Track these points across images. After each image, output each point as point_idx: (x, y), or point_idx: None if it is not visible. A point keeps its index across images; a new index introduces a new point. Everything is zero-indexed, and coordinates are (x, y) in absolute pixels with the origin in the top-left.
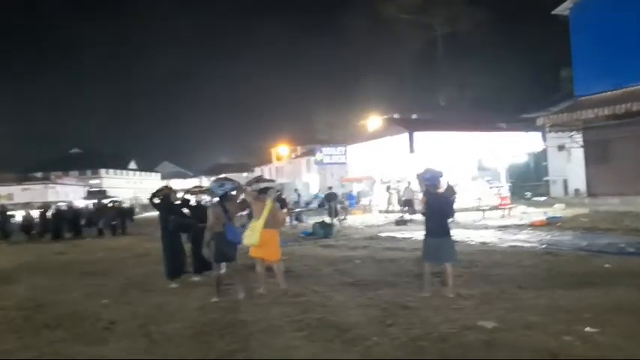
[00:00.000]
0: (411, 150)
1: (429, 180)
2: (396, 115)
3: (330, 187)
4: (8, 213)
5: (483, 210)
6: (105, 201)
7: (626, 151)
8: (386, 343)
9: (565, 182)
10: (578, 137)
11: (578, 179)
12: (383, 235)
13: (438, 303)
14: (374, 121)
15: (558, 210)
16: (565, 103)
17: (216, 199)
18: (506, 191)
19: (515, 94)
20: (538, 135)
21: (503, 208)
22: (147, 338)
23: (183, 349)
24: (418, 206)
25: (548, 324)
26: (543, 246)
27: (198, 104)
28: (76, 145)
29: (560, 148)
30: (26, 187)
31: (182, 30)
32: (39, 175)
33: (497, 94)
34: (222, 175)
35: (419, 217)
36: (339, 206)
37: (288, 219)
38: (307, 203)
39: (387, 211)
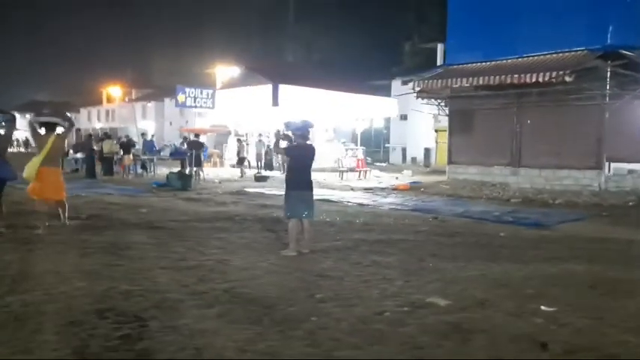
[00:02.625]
0: (275, 103)
1: (300, 129)
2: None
3: (197, 136)
4: None
5: (341, 172)
6: None
7: (488, 123)
8: (331, 325)
9: (404, 150)
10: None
11: (415, 148)
12: (250, 190)
13: (357, 271)
14: (229, 70)
15: (407, 176)
16: (412, 73)
17: None
18: (361, 154)
19: (360, 62)
20: (394, 102)
21: (360, 171)
22: None
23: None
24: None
25: (498, 301)
26: (428, 213)
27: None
28: None
29: (403, 117)
30: None
31: None
32: None
33: (342, 60)
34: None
35: (276, 173)
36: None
37: (132, 167)
38: (158, 151)
39: (240, 166)
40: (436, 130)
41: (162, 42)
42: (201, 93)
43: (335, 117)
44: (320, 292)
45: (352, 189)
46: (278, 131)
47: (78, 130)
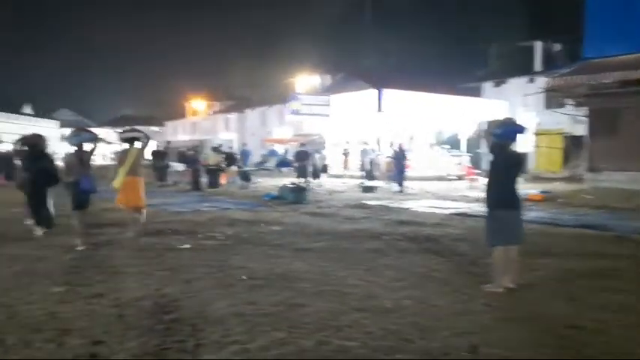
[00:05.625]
0: (379, 108)
1: (505, 135)
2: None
3: (303, 144)
4: None
5: (450, 180)
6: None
7: (638, 123)
8: None
9: None
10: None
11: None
12: (370, 203)
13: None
14: (312, 78)
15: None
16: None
17: (73, 149)
18: (467, 161)
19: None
20: (505, 104)
21: (469, 179)
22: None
23: None
24: (379, 171)
25: None
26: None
27: (103, 51)
28: None
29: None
30: None
31: None
32: None
33: (421, 64)
34: (129, 128)
35: (381, 183)
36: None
37: (233, 179)
38: (262, 162)
39: (342, 176)
40: (536, 134)
41: (241, 54)
42: (316, 100)
43: (439, 121)
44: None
45: (477, 200)
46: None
47: (168, 142)
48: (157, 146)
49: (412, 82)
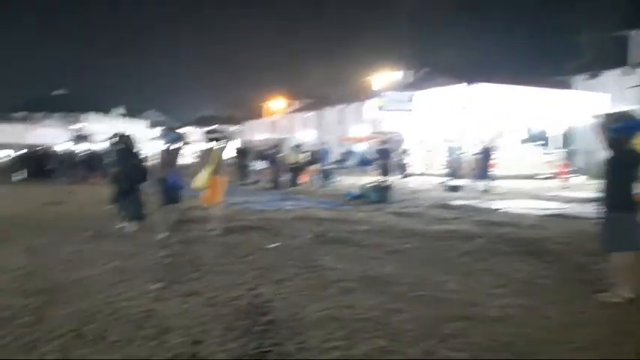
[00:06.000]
0: (466, 104)
1: (624, 130)
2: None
3: (385, 142)
4: None
5: (541, 178)
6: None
7: None
8: None
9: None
10: None
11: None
12: (457, 203)
13: None
14: (391, 74)
15: None
16: None
17: (163, 147)
18: (560, 158)
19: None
20: (607, 96)
21: (562, 178)
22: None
23: None
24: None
25: None
26: None
27: (187, 54)
28: (63, 86)
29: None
30: (4, 127)
31: None
32: (21, 115)
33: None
34: (214, 127)
35: (466, 182)
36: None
37: (314, 177)
38: (342, 160)
39: (424, 175)
40: None
41: (319, 53)
42: (401, 95)
43: (529, 116)
44: None
45: (583, 200)
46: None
47: (248, 141)
48: (240, 145)
49: (498, 76)
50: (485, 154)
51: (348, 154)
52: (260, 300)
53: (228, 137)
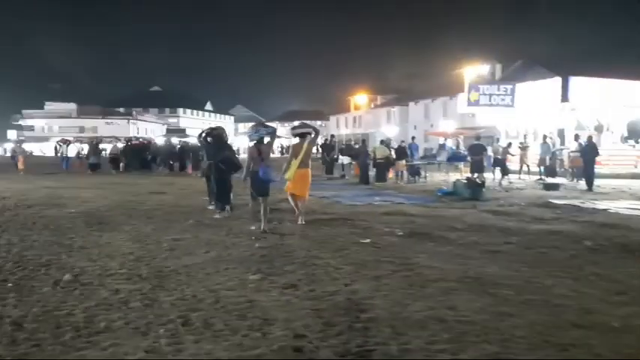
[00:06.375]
0: (564, 98)
1: None
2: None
3: (479, 138)
4: (100, 146)
5: None
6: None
7: None
8: None
9: None
10: None
11: None
12: (557, 202)
13: None
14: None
15: None
16: None
17: (253, 142)
18: None
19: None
20: None
21: None
22: None
23: None
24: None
25: None
26: None
27: (275, 51)
28: (156, 83)
29: None
30: (110, 121)
31: None
32: (121, 110)
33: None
34: (299, 123)
35: (564, 179)
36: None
37: (401, 174)
38: (433, 155)
39: (519, 172)
40: None
41: (405, 47)
42: (498, 89)
43: (633, 111)
44: None
45: None
46: None
47: (332, 136)
48: (326, 140)
49: (599, 69)
50: (587, 151)
51: (440, 149)
52: (358, 296)
53: (314, 132)
